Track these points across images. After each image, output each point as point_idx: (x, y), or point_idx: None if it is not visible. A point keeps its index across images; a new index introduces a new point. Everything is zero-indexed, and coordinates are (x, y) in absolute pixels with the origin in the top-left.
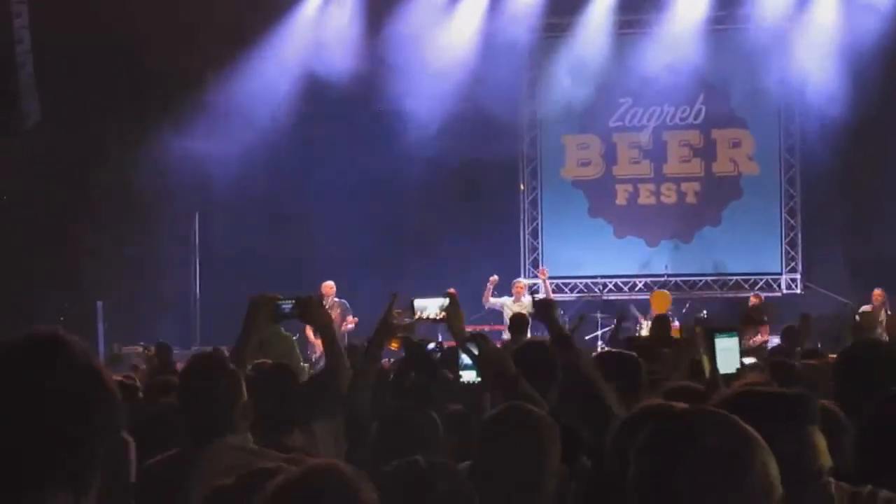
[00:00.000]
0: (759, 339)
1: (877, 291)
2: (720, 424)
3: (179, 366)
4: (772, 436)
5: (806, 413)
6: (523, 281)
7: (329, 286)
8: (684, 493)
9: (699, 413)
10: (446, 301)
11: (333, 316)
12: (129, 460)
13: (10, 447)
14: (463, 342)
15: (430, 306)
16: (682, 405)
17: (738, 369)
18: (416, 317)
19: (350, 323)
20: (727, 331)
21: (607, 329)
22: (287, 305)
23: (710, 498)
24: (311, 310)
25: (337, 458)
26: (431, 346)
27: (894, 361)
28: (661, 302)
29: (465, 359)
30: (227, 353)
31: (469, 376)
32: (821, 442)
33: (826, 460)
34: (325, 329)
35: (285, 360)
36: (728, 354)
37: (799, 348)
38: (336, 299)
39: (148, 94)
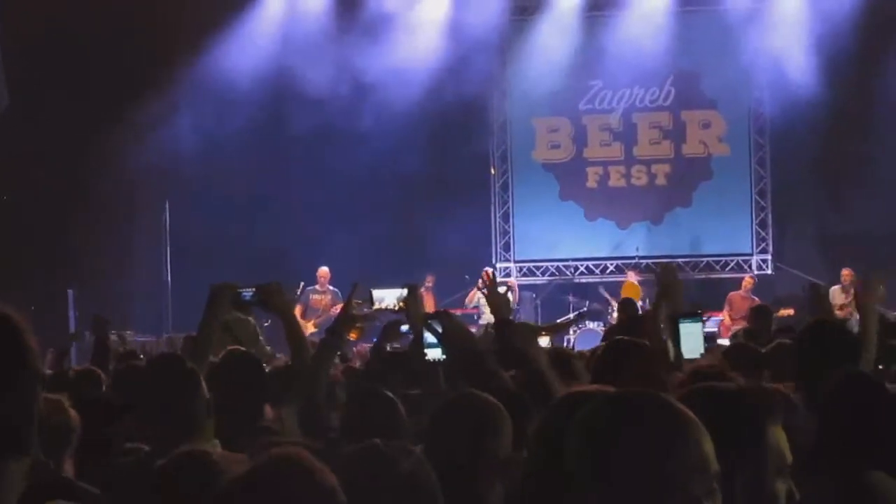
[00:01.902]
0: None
1: (845, 272)
2: (653, 404)
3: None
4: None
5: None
6: (490, 270)
7: (324, 272)
8: (618, 472)
9: (632, 394)
10: (405, 292)
11: (324, 303)
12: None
13: None
14: (424, 322)
15: (389, 297)
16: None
17: (701, 354)
18: (375, 307)
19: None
20: (691, 316)
21: (578, 312)
22: (248, 293)
23: (643, 476)
24: (272, 297)
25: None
26: (405, 328)
27: (849, 340)
28: (631, 293)
29: (430, 337)
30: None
31: (434, 354)
32: (781, 439)
33: (785, 458)
34: (286, 316)
35: (252, 344)
36: (692, 339)
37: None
38: (330, 287)
39: (117, 80)
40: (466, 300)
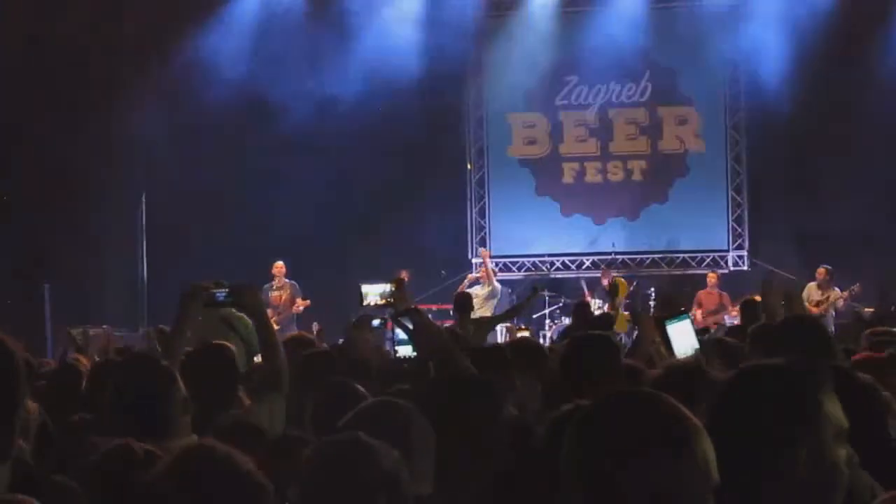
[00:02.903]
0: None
1: (821, 269)
2: (659, 407)
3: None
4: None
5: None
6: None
7: (279, 266)
8: (624, 477)
9: (638, 395)
10: (391, 287)
11: (284, 297)
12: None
13: None
14: (395, 317)
15: (374, 292)
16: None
17: (696, 349)
18: (365, 303)
19: (301, 305)
20: (677, 316)
21: (555, 307)
22: (221, 293)
23: (650, 482)
24: (245, 297)
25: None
26: (376, 322)
27: (823, 336)
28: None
29: (400, 334)
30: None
31: (405, 351)
32: (836, 406)
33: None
34: (259, 316)
35: (252, 339)
36: (683, 338)
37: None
38: (287, 280)
39: (92, 72)
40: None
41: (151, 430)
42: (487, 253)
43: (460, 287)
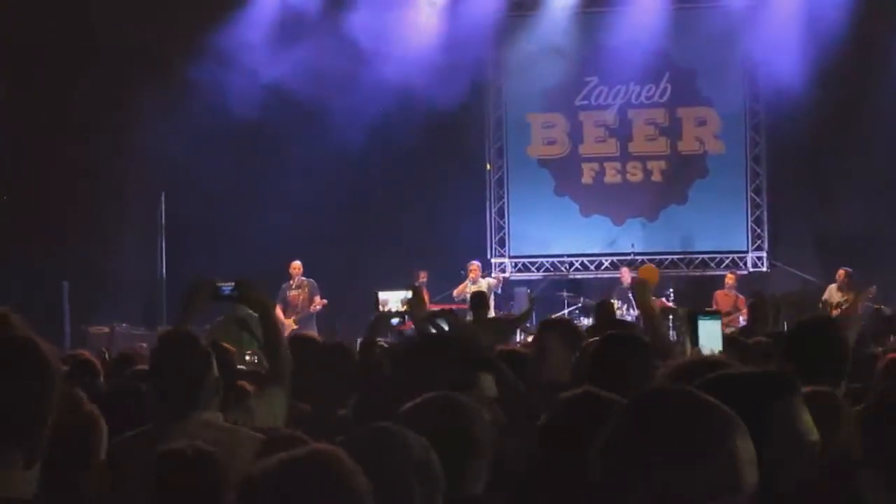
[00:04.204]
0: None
1: (841, 271)
2: (692, 401)
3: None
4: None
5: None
6: (476, 263)
7: (296, 266)
8: (652, 471)
9: (670, 390)
10: (409, 294)
11: (302, 296)
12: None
13: None
14: (423, 322)
15: (393, 298)
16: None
17: (720, 352)
18: (381, 309)
19: (318, 304)
20: (711, 314)
21: (574, 307)
22: (227, 287)
23: (676, 476)
24: (251, 292)
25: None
26: (395, 320)
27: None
28: (649, 275)
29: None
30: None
31: None
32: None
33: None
34: (264, 312)
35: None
36: (710, 337)
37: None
38: (304, 278)
39: (112, 71)
40: (455, 293)
41: (183, 405)
42: (477, 267)
43: (457, 291)
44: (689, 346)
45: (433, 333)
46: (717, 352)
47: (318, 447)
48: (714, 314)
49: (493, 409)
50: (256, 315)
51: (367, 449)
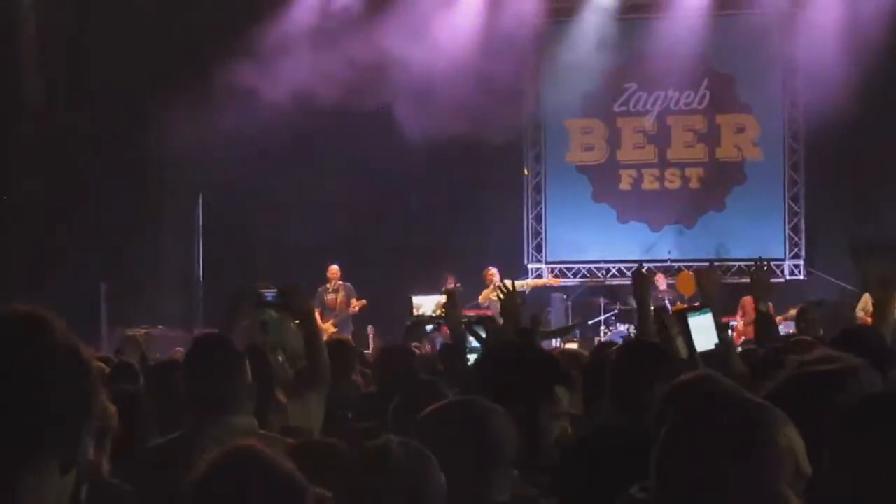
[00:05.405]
0: None
1: None
2: (740, 398)
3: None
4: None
5: None
6: (493, 269)
7: (334, 270)
8: (703, 465)
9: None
10: (443, 298)
11: (339, 299)
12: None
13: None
14: (460, 327)
15: (428, 303)
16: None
17: (716, 344)
18: (416, 313)
19: (356, 306)
20: (699, 309)
21: (610, 314)
22: (270, 294)
23: (728, 468)
24: (294, 299)
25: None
26: (429, 327)
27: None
28: (687, 284)
29: (472, 342)
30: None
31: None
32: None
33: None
34: (306, 319)
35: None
36: (704, 332)
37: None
38: (341, 282)
39: (151, 73)
40: (480, 299)
41: (216, 407)
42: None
43: (481, 296)
44: (682, 348)
45: (509, 344)
46: (714, 345)
47: (235, 444)
48: (703, 308)
49: (567, 423)
50: (277, 317)
51: (362, 463)
